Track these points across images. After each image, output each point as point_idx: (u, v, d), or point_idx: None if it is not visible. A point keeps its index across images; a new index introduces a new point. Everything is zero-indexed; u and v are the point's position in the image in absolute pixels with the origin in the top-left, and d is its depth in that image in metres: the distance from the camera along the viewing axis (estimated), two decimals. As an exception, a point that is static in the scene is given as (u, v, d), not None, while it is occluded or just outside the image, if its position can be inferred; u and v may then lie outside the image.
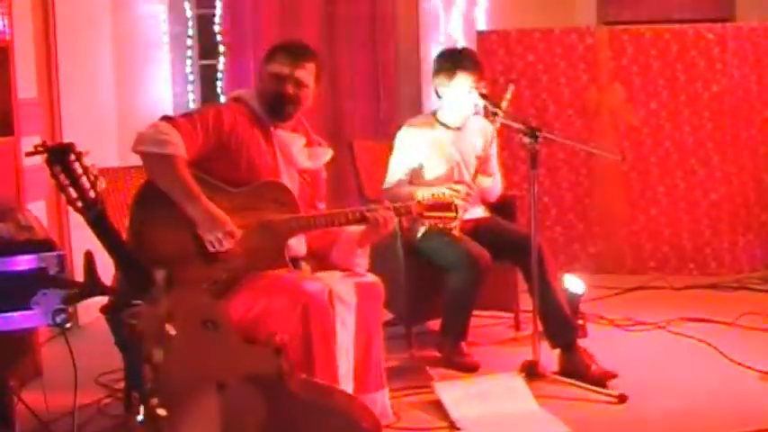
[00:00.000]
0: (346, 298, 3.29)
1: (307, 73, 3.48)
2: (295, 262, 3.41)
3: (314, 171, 3.64)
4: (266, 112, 3.47)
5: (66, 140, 2.64)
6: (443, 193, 3.72)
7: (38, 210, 4.37)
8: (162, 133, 3.15)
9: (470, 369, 4.29)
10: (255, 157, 3.38)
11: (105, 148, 5.27)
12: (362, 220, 3.45)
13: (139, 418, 2.59)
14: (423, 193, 3.70)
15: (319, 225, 3.43)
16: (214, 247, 3.15)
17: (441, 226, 4.14)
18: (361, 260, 3.58)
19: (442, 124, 4.62)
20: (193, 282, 3.09)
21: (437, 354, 4.46)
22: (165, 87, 6.25)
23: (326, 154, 3.66)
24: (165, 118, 3.26)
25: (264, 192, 3.34)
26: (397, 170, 4.58)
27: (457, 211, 3.65)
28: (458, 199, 3.95)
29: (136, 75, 6.04)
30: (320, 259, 3.55)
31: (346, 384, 3.26)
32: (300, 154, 3.54)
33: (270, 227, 3.29)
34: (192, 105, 6.31)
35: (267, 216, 3.30)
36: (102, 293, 2.51)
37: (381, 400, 3.49)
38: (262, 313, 3.11)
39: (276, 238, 3.30)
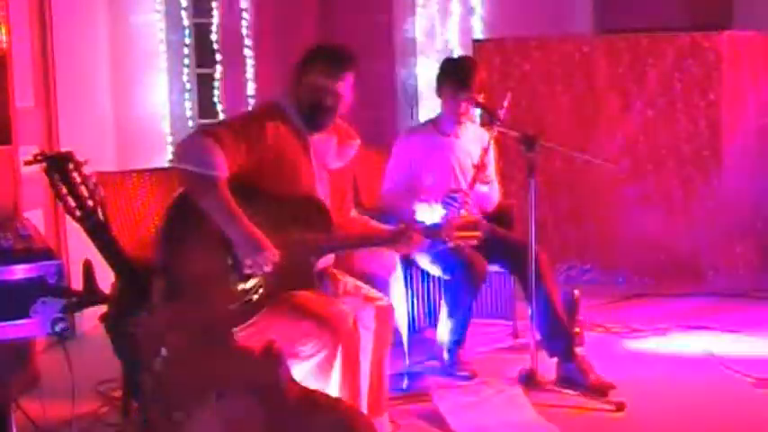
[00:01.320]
0: (368, 324, 3.30)
1: (346, 85, 3.38)
2: (320, 274, 3.39)
3: (343, 168, 3.55)
4: (303, 120, 3.36)
5: (63, 149, 2.64)
6: (469, 213, 3.69)
7: (35, 218, 4.36)
8: (206, 151, 3.04)
9: (468, 377, 4.29)
10: (295, 169, 3.30)
11: (102, 156, 5.27)
12: (393, 241, 3.43)
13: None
14: (451, 212, 3.66)
15: (350, 245, 3.43)
16: (253, 270, 3.10)
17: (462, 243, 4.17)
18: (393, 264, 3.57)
19: (441, 132, 4.63)
20: (225, 301, 3.06)
21: (435, 362, 4.46)
22: (161, 95, 6.25)
23: (355, 146, 3.57)
24: (207, 132, 3.12)
25: (299, 207, 3.27)
26: (394, 177, 4.59)
27: (480, 229, 3.59)
28: (455, 207, 3.96)
29: (133, 83, 6.05)
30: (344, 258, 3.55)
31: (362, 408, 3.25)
32: (332, 156, 3.47)
33: (301, 244, 3.23)
34: (188, 114, 6.30)
35: (299, 234, 3.24)
36: (101, 302, 2.51)
37: (385, 424, 3.50)
38: (287, 335, 3.06)
39: (306, 258, 3.25)
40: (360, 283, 3.52)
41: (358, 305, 3.34)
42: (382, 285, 3.80)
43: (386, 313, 3.42)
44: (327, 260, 3.47)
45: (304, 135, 3.36)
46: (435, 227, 3.56)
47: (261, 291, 3.14)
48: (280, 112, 3.34)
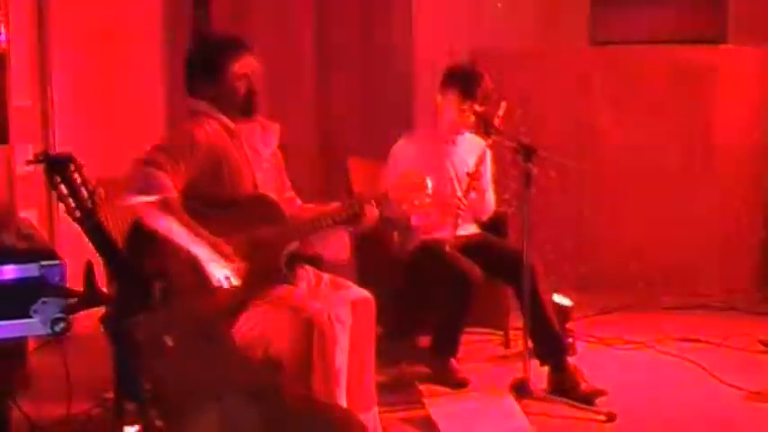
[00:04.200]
0: (343, 318, 3.30)
1: (255, 59, 3.44)
2: (294, 269, 3.40)
3: (273, 153, 3.58)
4: (234, 113, 3.39)
5: (59, 148, 2.64)
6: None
7: (30, 218, 4.36)
8: (148, 178, 3.09)
9: (460, 385, 4.30)
10: (234, 163, 3.34)
11: (98, 156, 5.25)
12: (347, 217, 3.44)
13: (133, 429, 2.60)
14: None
15: (308, 232, 3.44)
16: (221, 283, 3.14)
17: (434, 235, 4.26)
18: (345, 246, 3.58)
19: (438, 139, 4.65)
20: (211, 304, 3.08)
21: (427, 370, 4.47)
22: (158, 96, 6.24)
23: (276, 130, 3.58)
24: (142, 161, 3.15)
25: (250, 207, 3.32)
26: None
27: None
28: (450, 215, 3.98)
29: (130, 83, 6.04)
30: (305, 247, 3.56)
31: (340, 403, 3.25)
32: (260, 142, 3.50)
33: (262, 243, 3.28)
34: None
35: (257, 232, 3.29)
36: (103, 303, 2.51)
37: (373, 419, 3.50)
38: (264, 333, 3.10)
39: (270, 254, 3.29)
40: (339, 279, 3.54)
41: (334, 300, 3.34)
42: (339, 270, 3.83)
43: (363, 307, 3.43)
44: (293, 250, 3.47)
45: (231, 129, 3.39)
46: (382, 193, 3.52)
47: (232, 296, 3.16)
48: (201, 116, 3.37)
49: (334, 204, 3.54)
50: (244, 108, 3.41)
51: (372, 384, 3.49)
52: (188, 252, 3.12)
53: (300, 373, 3.05)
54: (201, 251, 3.10)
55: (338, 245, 3.57)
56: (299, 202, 3.65)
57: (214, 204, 3.26)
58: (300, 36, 6.40)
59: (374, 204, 3.47)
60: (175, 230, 3.09)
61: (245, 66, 3.39)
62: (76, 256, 2.67)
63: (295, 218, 3.45)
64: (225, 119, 3.38)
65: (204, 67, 3.39)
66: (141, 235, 3.13)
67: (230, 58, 3.38)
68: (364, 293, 3.48)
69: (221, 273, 3.12)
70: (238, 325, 3.10)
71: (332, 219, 3.43)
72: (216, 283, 3.13)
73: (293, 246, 3.42)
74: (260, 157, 3.47)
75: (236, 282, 3.13)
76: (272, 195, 3.41)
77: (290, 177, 3.68)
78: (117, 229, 3.44)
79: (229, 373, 2.60)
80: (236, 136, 3.39)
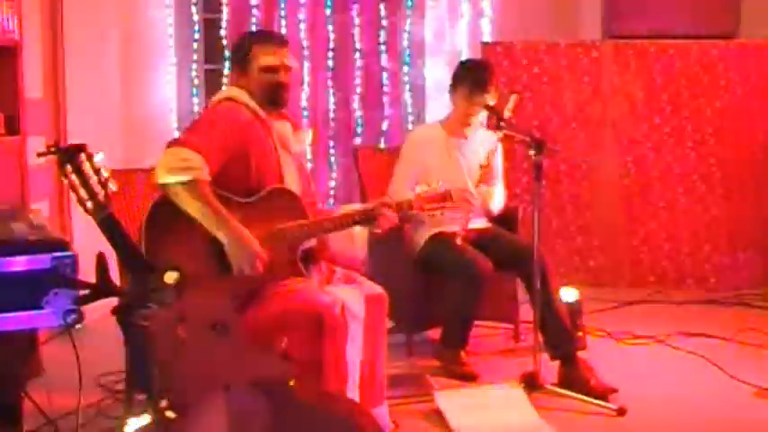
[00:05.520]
0: (356, 312, 3.30)
1: (289, 57, 3.51)
2: (308, 263, 3.41)
3: (301, 154, 3.66)
4: (263, 104, 3.46)
5: (71, 140, 2.64)
6: (438, 184, 3.71)
7: (41, 210, 4.38)
8: (183, 160, 3.11)
9: (470, 378, 4.30)
10: (263, 154, 3.38)
11: (110, 149, 5.27)
12: (368, 221, 3.49)
13: (143, 420, 2.61)
14: (419, 187, 3.71)
15: (328, 229, 3.47)
16: (243, 271, 3.16)
17: (444, 229, 4.32)
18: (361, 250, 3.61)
19: (450, 133, 4.65)
20: (222, 294, 3.08)
21: (437, 363, 4.47)
22: (170, 91, 6.27)
23: (308, 135, 3.68)
24: (179, 142, 3.21)
25: (272, 200, 3.34)
26: (401, 176, 4.60)
27: (452, 200, 3.70)
28: (460, 207, 3.98)
29: (141, 77, 6.07)
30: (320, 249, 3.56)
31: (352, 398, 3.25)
32: (291, 140, 3.54)
33: (281, 236, 3.30)
34: (196, 109, 6.32)
35: (277, 225, 3.31)
36: (115, 295, 2.51)
37: (384, 413, 3.50)
38: (276, 325, 3.09)
39: (288, 247, 3.31)
40: (351, 273, 3.56)
41: (347, 294, 3.35)
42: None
43: (376, 302, 3.43)
44: (312, 247, 3.50)
45: (264, 120, 3.44)
46: (406, 201, 3.63)
47: (249, 284, 3.18)
48: (237, 104, 3.43)
49: (356, 206, 3.62)
50: (271, 99, 3.47)
51: (383, 379, 3.50)
52: (206, 240, 3.13)
53: (311, 366, 3.05)
54: (227, 237, 3.12)
55: (352, 258, 3.59)
56: (320, 205, 3.70)
57: (238, 192, 3.29)
58: (314, 19, 6.40)
59: (395, 210, 3.53)
60: (204, 213, 3.11)
61: (275, 59, 3.46)
62: (91, 248, 2.68)
63: (315, 216, 3.48)
64: (258, 108, 3.44)
65: (238, 56, 3.52)
66: (158, 224, 3.14)
67: (260, 49, 3.47)
68: (376, 288, 3.49)
69: (245, 260, 3.14)
70: (250, 317, 3.10)
71: (352, 220, 3.48)
72: (237, 271, 3.15)
73: (311, 242, 3.44)
74: (289, 154, 3.50)
75: (259, 269, 3.15)
76: (295, 191, 3.43)
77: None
78: (129, 221, 3.45)
79: (240, 365, 2.60)
80: (266, 126, 3.44)
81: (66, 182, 2.57)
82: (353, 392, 3.26)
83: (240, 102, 3.43)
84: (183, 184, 3.10)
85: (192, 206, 3.11)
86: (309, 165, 5.95)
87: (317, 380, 3.06)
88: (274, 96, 3.47)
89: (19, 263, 2.50)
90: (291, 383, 2.60)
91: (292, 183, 3.45)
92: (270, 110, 3.48)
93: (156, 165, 3.16)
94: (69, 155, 2.56)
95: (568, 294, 4.62)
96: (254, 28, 6.26)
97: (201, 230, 3.14)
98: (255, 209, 3.29)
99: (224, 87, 6.24)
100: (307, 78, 6.32)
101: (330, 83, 6.43)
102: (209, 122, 3.34)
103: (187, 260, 3.05)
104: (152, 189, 3.63)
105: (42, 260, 2.49)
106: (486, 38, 6.46)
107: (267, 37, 3.60)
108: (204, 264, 3.16)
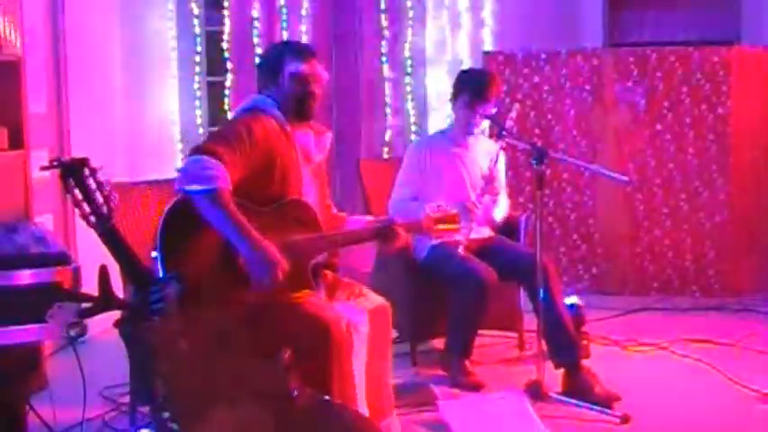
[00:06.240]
0: (360, 327, 3.30)
1: (320, 67, 3.49)
2: (316, 276, 3.40)
3: (321, 162, 3.61)
4: (289, 114, 3.41)
5: (74, 155, 2.65)
6: (447, 206, 3.75)
7: (45, 223, 4.40)
8: (207, 168, 3.04)
9: (475, 388, 4.30)
10: (287, 166, 3.33)
11: (113, 162, 5.30)
12: (378, 237, 3.50)
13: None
14: (429, 207, 3.72)
15: (340, 243, 3.47)
16: (263, 282, 3.09)
17: (447, 239, 4.29)
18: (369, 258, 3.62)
19: (452, 142, 4.66)
20: (226, 306, 3.08)
21: (441, 372, 4.48)
22: (172, 103, 6.28)
23: (329, 138, 3.63)
24: (202, 149, 3.12)
25: (288, 210, 3.31)
26: (403, 185, 4.61)
27: (459, 222, 3.74)
28: (463, 217, 3.99)
29: (144, 90, 6.08)
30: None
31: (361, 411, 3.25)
32: (313, 149, 3.51)
33: (293, 247, 3.25)
34: (198, 121, 6.33)
35: (291, 236, 3.27)
36: (118, 308, 2.52)
37: (392, 425, 3.50)
38: (282, 339, 3.05)
39: (300, 259, 3.26)
40: (355, 284, 3.55)
41: (351, 308, 3.35)
42: (360, 279, 3.86)
43: (380, 315, 3.43)
44: (321, 260, 3.48)
45: (287, 131, 3.40)
46: (416, 222, 3.65)
47: (261, 295, 3.14)
48: (262, 113, 3.38)
49: (368, 221, 3.62)
50: (298, 110, 3.42)
51: (390, 391, 3.49)
52: (219, 250, 3.08)
53: (317, 380, 3.03)
54: (249, 248, 3.05)
55: (363, 256, 3.61)
56: (334, 210, 3.69)
57: (257, 201, 3.24)
58: (315, 30, 6.42)
59: (406, 230, 3.54)
60: (225, 223, 3.04)
61: (306, 69, 3.42)
62: (96, 261, 2.68)
63: (329, 228, 3.46)
64: (282, 118, 3.40)
65: (268, 65, 3.50)
66: (174, 229, 3.07)
67: (291, 59, 3.43)
68: (380, 300, 3.48)
69: (266, 271, 3.07)
70: (256, 329, 3.10)
71: (363, 236, 3.51)
72: (256, 282, 3.08)
73: (322, 255, 3.44)
74: (310, 163, 3.48)
75: (277, 282, 3.09)
76: (311, 203, 3.40)
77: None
78: (131, 233, 3.46)
79: (244, 377, 2.61)
80: (290, 137, 3.40)
81: (68, 196, 2.58)
82: (361, 406, 3.26)
83: (267, 112, 3.38)
84: (204, 193, 3.03)
85: (213, 215, 3.04)
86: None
87: (324, 394, 3.04)
88: (303, 106, 3.42)
89: (21, 276, 2.50)
90: (294, 395, 2.60)
91: (309, 195, 3.43)
92: (296, 121, 3.43)
93: (179, 171, 3.14)
94: (72, 169, 2.57)
95: (572, 302, 4.63)
96: (255, 40, 6.28)
97: (216, 239, 3.09)
98: (271, 218, 3.25)
99: (226, 99, 6.31)
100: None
101: (332, 93, 6.43)
102: (234, 132, 3.25)
103: (202, 269, 3.05)
104: (156, 201, 3.65)
105: (44, 273, 2.50)
106: (488, 47, 6.47)
107: (298, 46, 3.61)
108: (218, 273, 3.11)
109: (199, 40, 6.39)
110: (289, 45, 3.73)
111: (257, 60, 3.57)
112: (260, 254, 3.06)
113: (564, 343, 4.25)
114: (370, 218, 3.69)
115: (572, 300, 4.65)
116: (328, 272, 3.53)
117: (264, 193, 3.28)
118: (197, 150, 3.14)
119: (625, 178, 4.63)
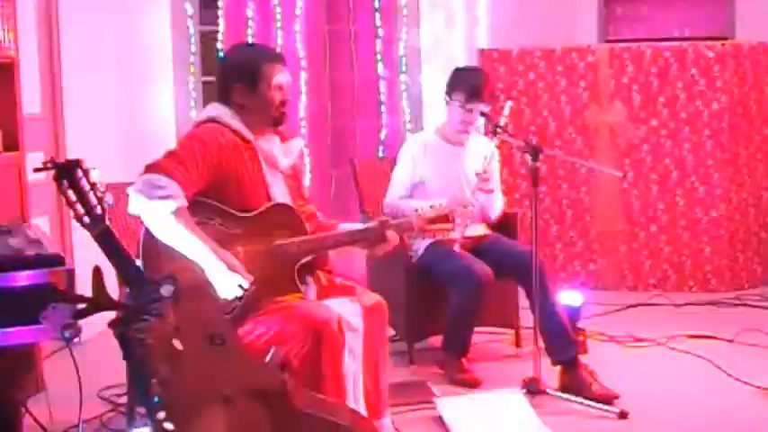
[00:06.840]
0: (354, 325, 3.28)
1: (289, 75, 3.48)
2: (305, 276, 3.40)
3: (293, 167, 3.58)
4: (263, 122, 3.39)
5: (69, 156, 2.65)
6: (441, 205, 3.71)
7: (41, 225, 4.39)
8: (157, 187, 3.02)
9: (472, 385, 4.31)
10: (242, 178, 3.29)
11: (108, 163, 5.28)
12: (367, 238, 3.45)
13: (144, 432, 2.61)
14: (421, 206, 3.69)
15: (328, 246, 3.43)
16: (226, 296, 3.07)
17: (440, 237, 4.30)
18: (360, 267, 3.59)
19: (447, 140, 4.66)
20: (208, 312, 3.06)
21: (438, 370, 4.48)
22: (167, 103, 6.27)
23: (298, 144, 3.59)
24: (153, 167, 3.10)
25: (272, 215, 3.29)
26: (398, 184, 4.62)
27: (453, 221, 3.65)
28: (458, 215, 3.98)
29: (139, 91, 6.07)
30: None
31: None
32: (280, 155, 3.46)
33: (280, 252, 3.26)
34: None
35: (277, 240, 3.27)
36: (112, 308, 2.52)
37: (387, 424, 3.49)
38: (274, 340, 3.06)
39: (287, 263, 3.27)
40: (350, 283, 3.54)
41: (344, 308, 3.32)
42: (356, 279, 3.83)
43: (374, 312, 3.40)
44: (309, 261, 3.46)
45: (246, 139, 3.35)
46: (408, 222, 3.57)
47: (244, 299, 3.13)
48: (219, 126, 3.32)
49: (357, 225, 3.59)
50: (276, 118, 3.40)
51: (385, 389, 3.48)
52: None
53: (310, 381, 3.03)
54: (207, 263, 3.03)
55: (353, 264, 3.58)
56: (320, 216, 3.64)
57: (226, 214, 3.23)
58: (309, 29, 6.41)
59: (396, 231, 3.48)
60: (181, 240, 3.02)
61: (284, 76, 3.41)
62: (92, 263, 2.68)
63: (316, 232, 3.44)
64: (243, 129, 3.34)
65: (244, 73, 3.38)
66: (154, 241, 3.08)
67: (272, 67, 3.38)
68: (376, 298, 3.46)
69: (227, 286, 3.06)
70: (248, 331, 3.09)
71: (353, 238, 3.45)
72: (221, 296, 3.06)
73: (308, 258, 3.41)
74: (277, 169, 3.44)
75: (240, 295, 3.08)
76: (291, 204, 3.39)
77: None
78: (126, 234, 3.46)
79: (238, 377, 2.60)
80: (251, 147, 3.35)
81: (62, 197, 2.58)
82: (356, 405, 3.25)
83: (223, 123, 3.33)
84: (159, 212, 3.01)
85: (168, 236, 3.03)
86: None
87: (317, 393, 3.04)
88: (279, 113, 3.40)
89: (16, 278, 2.50)
90: (289, 393, 2.60)
91: (283, 197, 3.40)
92: (267, 128, 3.41)
93: (131, 192, 3.07)
94: (65, 170, 2.57)
95: (569, 299, 4.64)
96: (250, 40, 6.26)
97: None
98: (255, 223, 3.25)
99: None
100: (304, 89, 6.31)
101: (327, 93, 6.43)
102: (187, 147, 3.22)
103: (183, 270, 3.04)
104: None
105: (39, 275, 2.49)
106: (482, 44, 6.47)
107: (273, 54, 3.53)
108: (200, 281, 3.11)
109: (193, 40, 6.38)
110: (261, 51, 3.61)
111: (220, 64, 3.44)
112: (221, 270, 3.04)
113: (561, 339, 4.26)
114: (361, 225, 3.61)
115: (569, 296, 4.66)
116: (322, 273, 3.52)
117: (237, 203, 3.25)
118: (149, 168, 3.11)
119: (619, 173, 4.63)
